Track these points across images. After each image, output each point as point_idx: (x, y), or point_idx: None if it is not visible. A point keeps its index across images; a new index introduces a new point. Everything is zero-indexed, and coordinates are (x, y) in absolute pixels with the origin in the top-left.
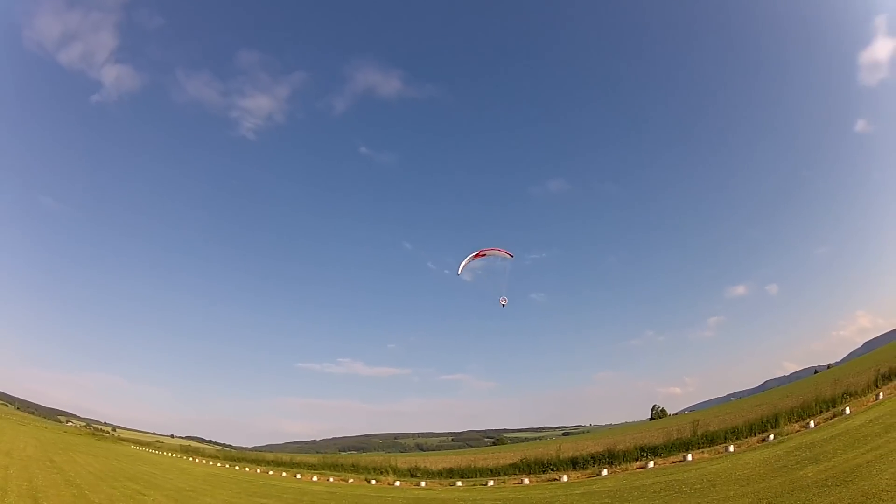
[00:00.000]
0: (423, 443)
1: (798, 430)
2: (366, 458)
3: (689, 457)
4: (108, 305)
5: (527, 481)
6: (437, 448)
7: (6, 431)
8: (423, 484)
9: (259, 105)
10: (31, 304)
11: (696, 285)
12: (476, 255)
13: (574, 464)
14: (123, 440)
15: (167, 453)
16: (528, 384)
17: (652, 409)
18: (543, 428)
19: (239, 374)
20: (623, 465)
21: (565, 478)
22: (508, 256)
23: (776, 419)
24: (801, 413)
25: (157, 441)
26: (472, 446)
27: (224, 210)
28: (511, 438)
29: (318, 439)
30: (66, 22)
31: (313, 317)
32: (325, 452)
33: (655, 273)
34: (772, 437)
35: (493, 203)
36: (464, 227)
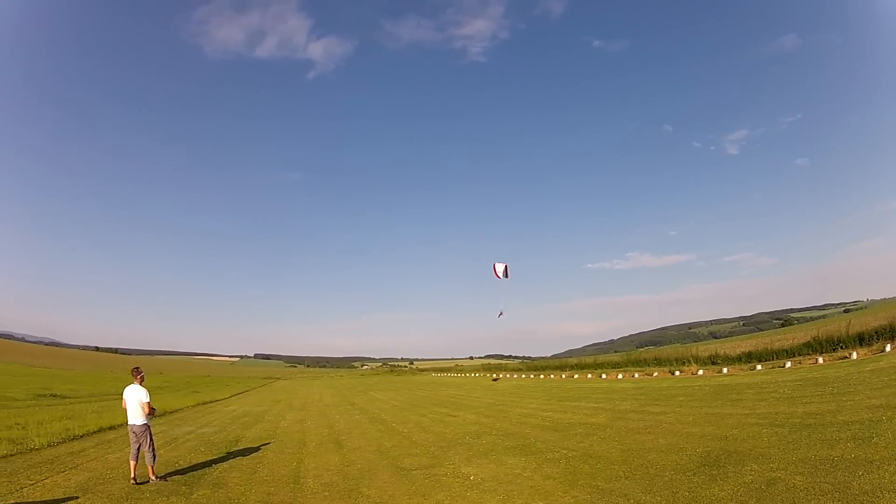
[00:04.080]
0: (715, 330)
1: None
2: (666, 351)
3: None
4: (387, 253)
5: (821, 360)
6: (730, 334)
7: (298, 389)
8: (724, 370)
9: (478, 29)
10: (295, 271)
11: None
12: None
13: (860, 340)
14: (422, 371)
15: (469, 374)
16: (807, 257)
17: None
18: (826, 305)
19: (529, 286)
20: None
21: (854, 355)
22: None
23: None
24: None
25: (457, 365)
26: (761, 329)
27: (477, 134)
28: (797, 318)
29: (614, 338)
30: (245, 25)
31: (594, 212)
32: (623, 350)
33: None
34: None
35: (737, 69)
36: (716, 99)
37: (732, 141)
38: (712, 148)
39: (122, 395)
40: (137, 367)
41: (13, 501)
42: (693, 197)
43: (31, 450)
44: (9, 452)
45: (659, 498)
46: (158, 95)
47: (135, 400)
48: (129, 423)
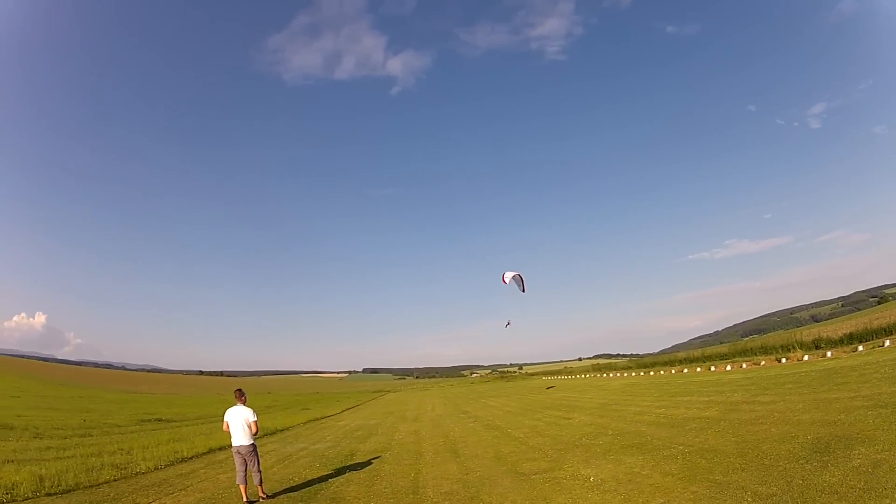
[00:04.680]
0: (816, 313)
1: None
2: (772, 338)
3: None
4: (489, 258)
5: None
6: (831, 316)
7: (409, 401)
8: (828, 354)
9: (552, 28)
10: (399, 284)
11: None
12: (514, 275)
13: None
14: (532, 375)
15: (579, 376)
16: None
17: None
18: None
19: (628, 283)
20: None
21: None
22: (521, 291)
23: None
24: None
25: (566, 367)
26: (859, 309)
27: (564, 132)
28: (892, 295)
29: (719, 329)
30: (320, 48)
31: (690, 200)
32: (729, 341)
33: None
34: None
35: (805, 40)
36: (791, 74)
37: (814, 115)
38: (796, 124)
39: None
40: (240, 389)
41: None
42: (783, 176)
43: (137, 474)
44: (112, 478)
45: (774, 488)
46: (247, 128)
47: (241, 420)
48: (234, 444)
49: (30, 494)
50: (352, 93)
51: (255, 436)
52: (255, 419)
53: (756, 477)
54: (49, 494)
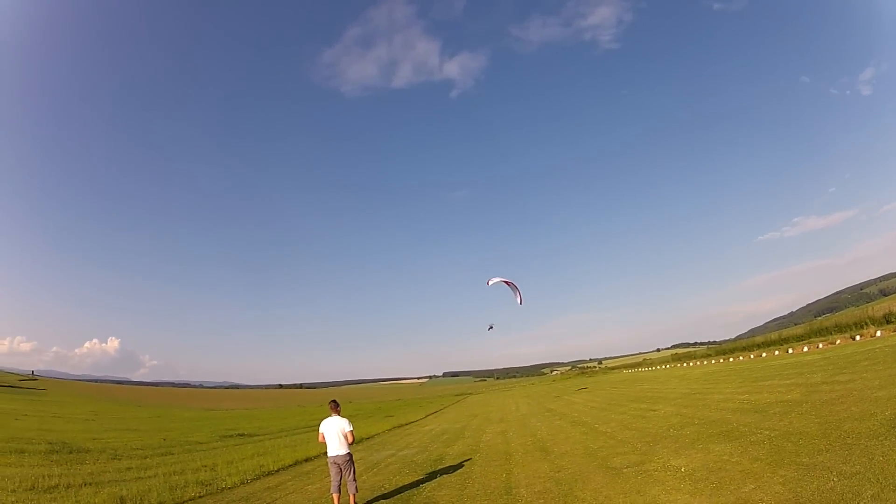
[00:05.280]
0: (885, 287)
1: None
2: (845, 316)
3: None
4: (561, 254)
5: None
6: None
7: (492, 402)
8: None
9: (604, 16)
10: (471, 286)
11: None
12: (506, 282)
13: None
14: (612, 369)
15: (659, 367)
16: None
17: None
18: None
19: (701, 270)
20: None
21: None
22: (518, 303)
23: None
24: None
25: (645, 359)
26: None
27: (623, 121)
28: None
29: (793, 310)
30: (375, 58)
31: (757, 177)
32: (803, 321)
33: None
34: None
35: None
36: (837, 41)
37: (864, 81)
38: (848, 92)
39: (318, 428)
40: (335, 400)
41: None
42: (842, 147)
43: (223, 489)
44: (198, 494)
45: (858, 467)
46: (314, 148)
47: (337, 430)
48: (329, 455)
49: None
50: (412, 99)
51: (351, 445)
52: (352, 429)
53: (840, 457)
54: None
